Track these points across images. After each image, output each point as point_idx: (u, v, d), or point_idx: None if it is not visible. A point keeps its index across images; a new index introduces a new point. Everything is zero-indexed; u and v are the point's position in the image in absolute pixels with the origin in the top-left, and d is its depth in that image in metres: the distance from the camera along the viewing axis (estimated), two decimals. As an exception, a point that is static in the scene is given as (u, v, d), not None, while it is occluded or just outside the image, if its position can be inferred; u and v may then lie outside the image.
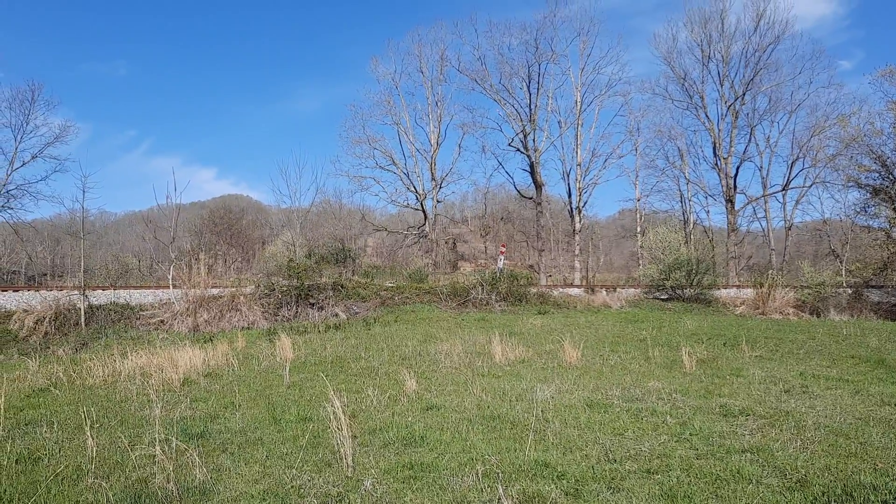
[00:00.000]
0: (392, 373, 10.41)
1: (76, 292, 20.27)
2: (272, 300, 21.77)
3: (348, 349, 13.55)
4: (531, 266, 50.29)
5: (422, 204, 44.10)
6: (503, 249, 29.53)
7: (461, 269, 50.89)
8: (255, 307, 21.00)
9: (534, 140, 41.42)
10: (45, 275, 50.43)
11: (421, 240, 45.51)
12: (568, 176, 41.98)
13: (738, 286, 30.64)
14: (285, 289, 22.15)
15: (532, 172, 41.73)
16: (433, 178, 43.34)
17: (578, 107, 41.32)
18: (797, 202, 43.17)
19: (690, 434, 6.53)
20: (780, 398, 8.27)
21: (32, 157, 33.86)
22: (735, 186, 41.58)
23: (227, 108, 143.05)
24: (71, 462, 5.91)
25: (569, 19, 42.06)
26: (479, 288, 24.17)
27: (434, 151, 43.44)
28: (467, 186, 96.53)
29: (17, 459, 6.02)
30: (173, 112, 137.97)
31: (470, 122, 43.19)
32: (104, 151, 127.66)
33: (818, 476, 5.20)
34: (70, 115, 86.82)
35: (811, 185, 41.57)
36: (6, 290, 21.33)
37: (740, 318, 21.61)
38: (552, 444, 6.22)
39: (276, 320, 20.76)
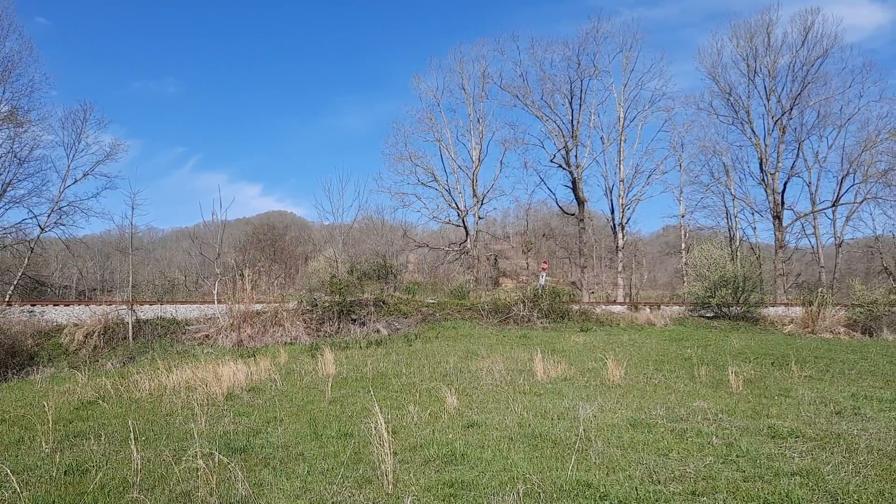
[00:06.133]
0: (433, 389, 10.37)
1: (124, 307, 20.71)
2: (314, 316, 21.94)
3: (389, 365, 13.56)
4: (573, 283, 49.82)
5: (463, 220, 44.11)
6: (545, 266, 29.33)
7: (502, 285, 50.67)
8: (298, 322, 21.20)
9: (576, 156, 41.29)
10: (95, 289, 51.74)
11: (462, 256, 45.48)
12: (611, 192, 41.72)
13: (786, 304, 29.88)
14: (327, 304, 22.31)
15: (574, 189, 41.52)
16: (475, 195, 43.36)
17: (621, 122, 41.03)
18: (847, 218, 41.96)
19: (737, 456, 6.35)
20: (831, 420, 8.00)
21: (84, 175, 34.75)
22: (783, 202, 40.71)
23: (272, 124, 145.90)
24: (117, 474, 5.99)
25: (611, 35, 41.71)
26: (521, 304, 24.03)
27: (476, 168, 43.49)
28: (509, 203, 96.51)
29: (65, 471, 6.14)
30: (220, 129, 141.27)
31: (511, 138, 43.24)
32: (153, 168, 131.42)
33: (871, 501, 5.02)
34: (120, 132, 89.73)
35: (862, 202, 40.48)
36: (58, 305, 21.93)
37: (789, 337, 21.09)
38: (595, 463, 6.11)
39: (319, 336, 20.91)
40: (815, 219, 42.24)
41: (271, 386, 11.14)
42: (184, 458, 6.30)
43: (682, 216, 45.61)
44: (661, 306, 27.90)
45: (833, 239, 42.97)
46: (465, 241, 44.64)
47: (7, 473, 5.68)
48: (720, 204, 45.11)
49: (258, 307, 21.35)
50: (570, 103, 41.37)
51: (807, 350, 16.06)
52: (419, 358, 14.71)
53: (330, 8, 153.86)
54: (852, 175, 40.23)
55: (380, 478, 5.60)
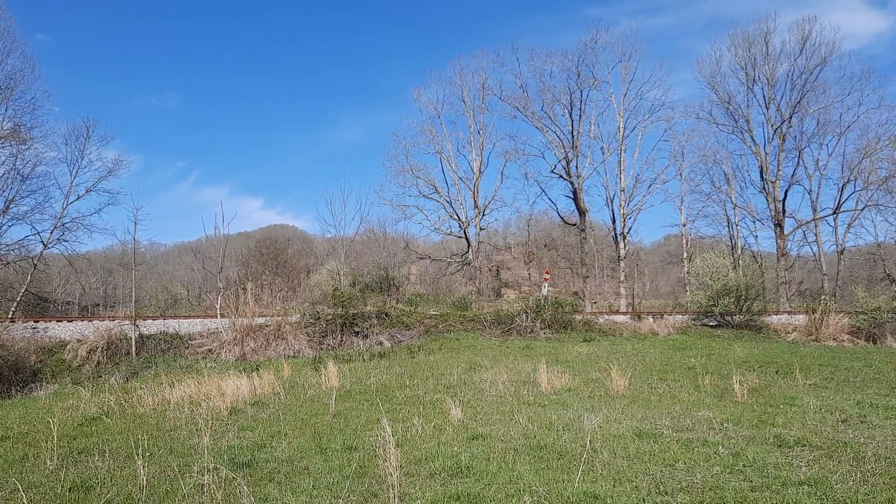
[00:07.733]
0: (437, 401, 10.35)
1: (127, 322, 20.73)
2: (317, 329, 21.93)
3: (393, 378, 13.54)
4: (575, 293, 49.80)
5: (465, 231, 44.11)
6: (547, 276, 29.35)
7: (505, 296, 50.70)
8: (301, 336, 21.19)
9: (576, 166, 41.28)
10: (98, 305, 51.75)
11: (464, 267, 45.46)
12: (612, 202, 41.67)
13: (789, 312, 29.80)
14: (330, 317, 22.30)
15: (575, 199, 41.52)
16: (476, 206, 43.38)
17: (621, 132, 41.03)
18: (849, 226, 41.78)
19: (744, 465, 6.33)
20: (837, 428, 7.97)
21: (87, 191, 34.75)
22: (784, 210, 40.66)
23: (273, 137, 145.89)
24: (122, 491, 5.98)
25: (610, 45, 41.73)
26: (524, 315, 24.01)
27: (477, 179, 43.53)
28: (510, 213, 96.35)
29: (70, 488, 6.12)
30: (221, 143, 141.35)
31: (512, 149, 43.21)
32: (154, 183, 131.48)
33: (883, 511, 4.99)
34: (122, 147, 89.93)
35: (863, 209, 40.32)
36: (61, 321, 21.93)
37: (792, 345, 21.03)
38: (601, 475, 6.09)
39: (322, 349, 20.88)
40: (816, 226, 42.15)
41: (275, 400, 11.12)
42: (189, 474, 6.30)
43: (684, 225, 45.57)
44: (664, 315, 27.85)
45: (835, 246, 42.82)
46: (467, 252, 44.62)
47: (15, 489, 5.67)
48: (721, 213, 45.06)
49: (261, 321, 21.35)
50: (570, 114, 41.46)
51: (811, 358, 16.02)
52: (422, 370, 14.69)
53: (328, 20, 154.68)
54: (853, 182, 40.16)
55: (385, 491, 5.59)
